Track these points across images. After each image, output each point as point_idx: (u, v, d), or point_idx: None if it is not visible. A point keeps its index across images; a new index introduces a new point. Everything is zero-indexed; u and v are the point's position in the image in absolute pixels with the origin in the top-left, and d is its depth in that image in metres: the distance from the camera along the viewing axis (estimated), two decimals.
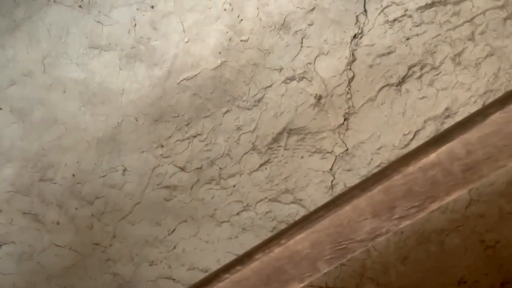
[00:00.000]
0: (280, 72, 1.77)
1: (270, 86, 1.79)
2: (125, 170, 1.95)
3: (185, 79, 1.87)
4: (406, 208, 0.76)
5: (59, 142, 1.99)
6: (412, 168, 0.76)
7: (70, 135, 1.98)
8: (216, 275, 0.85)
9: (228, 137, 1.84)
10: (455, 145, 0.75)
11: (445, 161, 0.75)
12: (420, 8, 1.62)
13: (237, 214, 1.84)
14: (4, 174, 2.03)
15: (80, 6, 1.93)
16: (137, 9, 1.88)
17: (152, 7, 1.87)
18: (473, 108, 1.59)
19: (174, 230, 1.91)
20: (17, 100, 2.02)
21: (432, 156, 0.75)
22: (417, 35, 1.62)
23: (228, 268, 0.84)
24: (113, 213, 1.96)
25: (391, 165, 0.80)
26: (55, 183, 2.01)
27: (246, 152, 1.83)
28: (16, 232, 2.04)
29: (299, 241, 0.81)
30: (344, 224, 0.79)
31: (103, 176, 1.98)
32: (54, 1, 1.94)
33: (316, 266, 0.81)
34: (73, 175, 2.00)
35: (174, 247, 1.91)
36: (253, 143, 1.82)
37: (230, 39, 1.82)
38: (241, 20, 1.81)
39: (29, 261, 2.02)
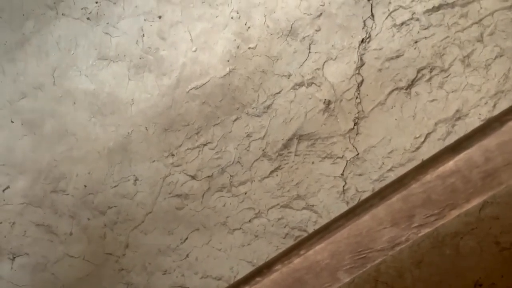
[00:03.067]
0: (288, 78, 1.77)
1: (279, 92, 1.79)
2: (136, 179, 1.96)
3: (194, 87, 1.88)
4: (425, 216, 0.76)
5: (70, 153, 2.00)
6: (430, 176, 0.76)
7: (81, 146, 1.99)
8: (236, 287, 0.85)
9: (238, 145, 1.85)
10: (473, 152, 0.74)
11: (463, 168, 0.75)
12: (427, 11, 1.62)
13: (249, 221, 1.85)
14: (17, 186, 2.04)
15: (88, 18, 1.95)
16: (145, 20, 1.90)
17: (160, 17, 1.88)
18: (484, 110, 1.58)
19: (187, 238, 1.91)
20: (28, 113, 2.03)
21: (450, 164, 0.75)
22: (425, 38, 1.62)
23: (247, 280, 0.84)
24: (126, 222, 1.97)
25: (409, 174, 0.80)
26: (67, 194, 2.02)
27: (257, 159, 1.83)
28: (29, 244, 2.05)
29: (319, 251, 0.81)
30: (363, 233, 0.79)
31: (114, 186, 1.98)
32: (62, 14, 1.96)
33: (336, 276, 0.81)
34: (85, 186, 2.01)
35: (187, 256, 1.92)
36: (263, 150, 1.82)
37: (238, 47, 1.83)
38: (249, 27, 1.82)
39: (43, 272, 2.03)
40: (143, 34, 1.91)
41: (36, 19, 1.99)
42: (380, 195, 0.81)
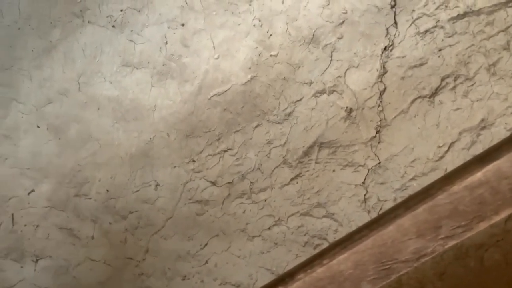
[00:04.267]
0: (310, 86, 1.77)
1: (300, 100, 1.79)
2: (157, 185, 1.98)
3: (215, 94, 1.90)
4: (452, 228, 0.75)
5: (93, 158, 2.04)
6: (457, 187, 0.75)
7: (104, 151, 2.03)
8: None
9: (259, 151, 1.85)
10: (502, 163, 0.73)
11: (492, 179, 0.73)
12: (452, 18, 1.60)
13: (269, 228, 1.84)
14: (42, 190, 2.09)
15: (113, 26, 1.99)
16: (168, 27, 1.93)
17: (183, 24, 1.91)
18: (510, 119, 1.55)
19: (206, 244, 1.92)
20: (53, 118, 2.08)
21: (479, 175, 0.74)
22: (450, 46, 1.60)
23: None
24: (146, 227, 1.99)
25: (435, 184, 0.78)
26: (90, 198, 2.06)
27: (277, 166, 1.83)
28: (52, 247, 2.09)
29: (342, 261, 0.81)
30: (387, 244, 0.78)
31: (136, 191, 2.01)
32: (88, 22, 2.00)
33: (360, 286, 0.80)
34: (107, 190, 2.04)
35: (206, 262, 1.92)
36: (284, 157, 1.82)
37: (259, 54, 1.84)
38: (271, 35, 1.83)
39: (65, 275, 2.06)
40: (166, 42, 1.94)
41: (63, 27, 2.04)
42: (405, 206, 0.80)
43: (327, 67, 1.75)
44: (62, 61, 2.06)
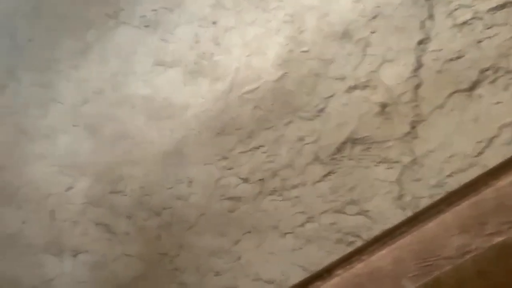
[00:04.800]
0: (342, 81, 1.75)
1: (332, 96, 1.77)
2: (190, 182, 2.00)
3: (246, 92, 1.90)
4: (498, 224, 0.72)
5: (128, 156, 2.08)
6: (503, 182, 0.72)
7: (138, 149, 2.07)
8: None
9: (291, 148, 1.85)
10: None
11: None
12: (491, 9, 1.54)
13: (301, 225, 1.83)
14: (79, 187, 2.15)
15: (146, 26, 2.03)
16: (200, 26, 1.94)
17: (214, 23, 1.92)
18: None
19: (239, 241, 1.93)
20: (89, 117, 2.14)
21: None
22: (489, 37, 1.55)
23: (306, 284, 0.84)
24: (180, 224, 2.02)
25: (479, 179, 0.76)
26: (125, 195, 2.10)
27: (309, 163, 1.82)
28: (90, 242, 2.15)
29: (381, 257, 0.79)
30: (429, 240, 0.76)
31: (169, 188, 2.04)
32: (122, 22, 2.05)
33: (400, 283, 0.79)
34: (142, 187, 2.08)
35: (239, 258, 1.93)
36: (316, 154, 1.81)
37: (290, 51, 1.83)
38: (302, 31, 1.82)
39: (103, 269, 2.12)
40: (198, 40, 1.96)
41: (98, 28, 2.10)
42: (447, 201, 0.77)
43: (360, 62, 1.73)
44: (97, 62, 2.11)
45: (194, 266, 2.00)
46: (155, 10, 2.02)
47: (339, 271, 0.81)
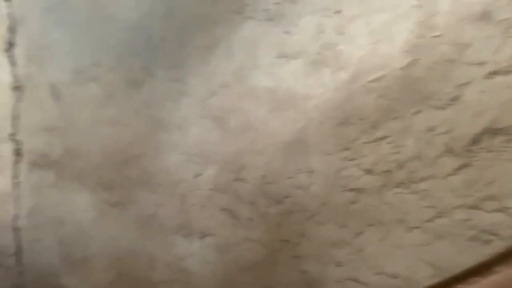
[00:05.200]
0: (481, 66, 1.61)
1: (469, 82, 1.65)
2: (311, 172, 2.03)
3: (371, 81, 1.86)
4: None
5: (251, 146, 2.17)
6: None
7: (261, 139, 2.15)
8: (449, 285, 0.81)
9: (419, 139, 1.76)
10: None
11: None
12: None
13: (430, 220, 1.74)
14: (207, 175, 2.31)
15: (269, 19, 2.09)
16: (323, 16, 1.94)
17: (338, 12, 1.91)
18: None
19: (361, 233, 1.90)
20: (216, 109, 2.28)
21: None
22: None
23: (463, 278, 0.80)
24: (300, 212, 2.06)
25: None
26: (248, 183, 2.20)
27: (440, 155, 1.72)
28: (215, 226, 2.30)
29: None
30: None
31: (290, 177, 2.09)
32: (247, 17, 2.14)
33: None
34: (263, 176, 2.16)
35: (361, 250, 1.91)
36: (447, 145, 1.70)
37: (420, 36, 1.74)
38: (433, 15, 1.71)
39: (227, 252, 2.26)
40: (321, 30, 1.96)
41: (225, 23, 2.21)
42: None
43: (502, 45, 1.57)
44: (223, 56, 2.23)
45: (315, 255, 2.02)
46: (278, 3, 2.07)
47: (501, 268, 0.76)
